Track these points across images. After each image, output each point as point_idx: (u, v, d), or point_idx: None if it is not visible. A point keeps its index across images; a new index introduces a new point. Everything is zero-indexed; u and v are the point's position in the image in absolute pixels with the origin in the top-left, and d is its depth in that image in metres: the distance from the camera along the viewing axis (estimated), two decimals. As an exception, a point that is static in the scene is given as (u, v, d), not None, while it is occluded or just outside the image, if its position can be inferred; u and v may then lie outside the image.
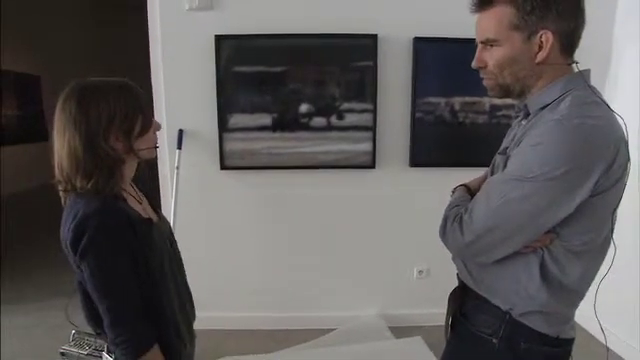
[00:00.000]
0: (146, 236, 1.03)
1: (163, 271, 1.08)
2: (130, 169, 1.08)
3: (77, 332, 2.07)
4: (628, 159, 0.94)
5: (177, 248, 1.20)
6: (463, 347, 1.16)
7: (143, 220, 1.05)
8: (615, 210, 0.98)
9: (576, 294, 1.03)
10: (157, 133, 1.11)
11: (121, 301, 0.97)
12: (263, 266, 2.74)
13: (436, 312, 2.75)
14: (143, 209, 1.12)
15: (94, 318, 1.05)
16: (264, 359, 2.42)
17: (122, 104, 0.99)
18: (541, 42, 0.93)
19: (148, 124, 1.04)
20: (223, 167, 2.55)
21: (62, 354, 1.98)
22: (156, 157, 1.17)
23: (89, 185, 0.97)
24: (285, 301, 2.76)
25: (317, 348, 2.55)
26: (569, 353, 1.08)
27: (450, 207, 1.08)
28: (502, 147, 1.13)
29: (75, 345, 2.01)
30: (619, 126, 0.94)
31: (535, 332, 1.02)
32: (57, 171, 1.00)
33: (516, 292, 1.01)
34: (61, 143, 0.98)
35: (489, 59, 1.00)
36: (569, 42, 0.95)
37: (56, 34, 7.16)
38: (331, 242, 2.73)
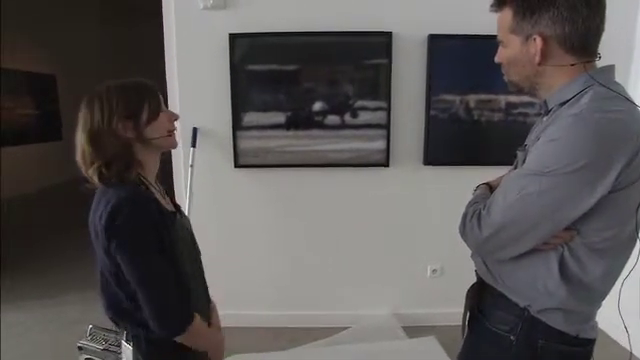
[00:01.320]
0: (171, 229, 1.06)
1: (185, 266, 1.10)
2: (152, 161, 1.11)
3: (94, 327, 2.10)
4: None
5: (197, 246, 1.21)
6: (480, 344, 1.14)
7: (169, 212, 1.08)
8: None
9: (597, 293, 1.00)
10: (175, 124, 1.14)
11: (160, 284, 1.01)
12: (276, 264, 2.73)
13: (450, 312, 2.72)
14: (167, 203, 1.15)
15: (113, 306, 1.08)
16: (276, 357, 2.41)
17: (123, 95, 1.05)
18: (535, 46, 0.96)
19: (155, 110, 1.08)
20: (237, 165, 2.55)
21: (79, 348, 2.01)
22: (170, 154, 1.18)
23: (96, 175, 1.02)
24: (298, 299, 2.75)
25: (330, 346, 2.53)
26: (590, 354, 1.05)
27: (470, 204, 1.08)
28: (524, 143, 1.11)
29: (92, 340, 2.04)
30: None
31: (553, 330, 1.00)
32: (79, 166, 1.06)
33: (534, 289, 0.99)
34: (77, 140, 1.05)
35: (501, 57, 1.05)
36: (574, 43, 0.94)
37: (70, 34, 7.24)
38: (344, 240, 2.71)
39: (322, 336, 2.62)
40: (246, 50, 2.42)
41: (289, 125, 2.51)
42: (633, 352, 1.24)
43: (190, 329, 1.04)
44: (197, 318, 1.07)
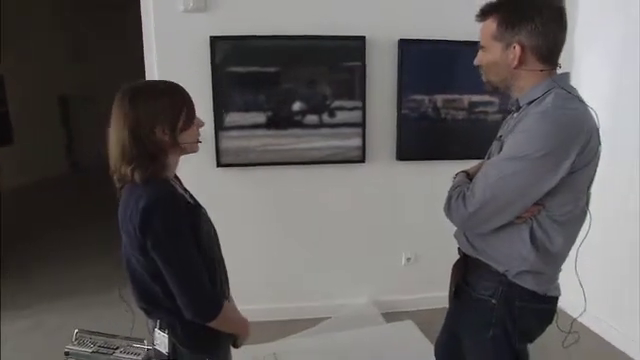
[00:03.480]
0: (199, 220, 1.09)
1: (213, 254, 1.14)
2: (174, 161, 1.12)
3: (80, 331, 1.95)
4: (599, 144, 1.09)
5: (217, 236, 1.22)
6: (466, 309, 1.27)
7: (194, 205, 1.11)
8: (589, 187, 1.12)
9: (559, 256, 1.16)
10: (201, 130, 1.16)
11: (194, 275, 1.03)
12: (259, 259, 2.68)
13: (424, 296, 2.81)
14: (189, 197, 1.17)
15: (145, 298, 1.10)
16: (264, 349, 2.35)
17: (167, 100, 1.06)
18: (514, 52, 1.09)
19: (191, 119, 1.10)
20: (219, 164, 2.50)
21: (66, 354, 1.85)
22: None
23: (134, 172, 1.02)
24: (281, 292, 2.72)
25: (313, 335, 2.52)
26: (555, 309, 1.21)
27: (453, 188, 1.20)
28: (498, 135, 1.25)
29: (79, 344, 1.89)
30: (592, 117, 1.08)
31: (527, 291, 1.14)
32: (111, 162, 1.06)
33: (510, 256, 1.14)
34: (113, 137, 1.04)
35: (482, 60, 1.17)
36: (544, 53, 1.10)
37: (25, 33, 6.71)
38: (324, 234, 2.73)
39: (306, 327, 2.63)
40: (227, 52, 2.39)
41: (269, 125, 2.50)
42: (587, 308, 1.36)
43: (221, 314, 1.06)
44: (226, 303, 1.10)
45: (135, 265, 1.07)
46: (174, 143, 1.06)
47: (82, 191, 7.26)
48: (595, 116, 1.08)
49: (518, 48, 1.08)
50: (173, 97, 1.07)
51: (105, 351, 1.85)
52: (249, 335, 1.24)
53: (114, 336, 1.89)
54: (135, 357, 1.79)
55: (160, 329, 1.11)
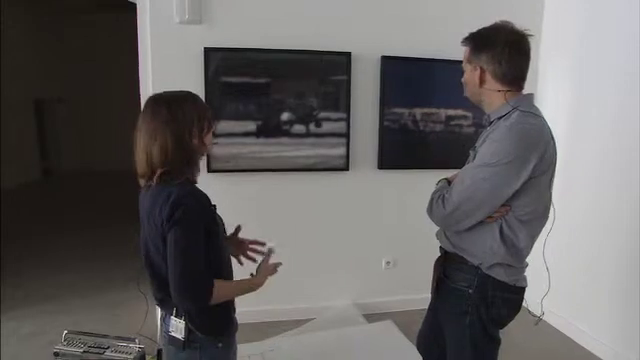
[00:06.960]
0: (216, 218, 1.16)
1: (224, 251, 1.20)
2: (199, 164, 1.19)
3: (69, 332, 1.89)
4: (555, 155, 1.25)
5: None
6: (445, 299, 1.38)
7: (213, 205, 1.16)
8: (550, 190, 1.27)
9: (524, 251, 1.29)
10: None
11: (193, 265, 1.05)
12: (246, 263, 2.64)
13: (403, 298, 2.85)
14: None
15: (164, 288, 1.12)
16: (249, 348, 2.32)
17: (198, 108, 1.14)
18: (477, 74, 1.27)
19: (212, 122, 1.18)
20: (210, 170, 2.48)
21: (56, 354, 1.79)
22: None
23: (178, 174, 1.08)
24: (267, 295, 2.66)
25: (298, 335, 2.53)
26: (522, 299, 1.33)
27: (435, 192, 1.33)
28: (474, 145, 1.38)
29: (68, 345, 1.83)
30: (549, 131, 1.24)
31: (499, 281, 1.26)
32: (141, 165, 1.10)
33: (483, 250, 1.26)
34: (150, 142, 1.08)
35: (463, 79, 1.33)
36: (501, 76, 1.24)
37: None
38: (309, 238, 2.76)
39: (289, 328, 2.61)
40: (220, 63, 2.42)
41: (259, 133, 2.52)
42: (551, 286, 1.51)
43: (213, 298, 1.08)
44: (218, 284, 1.10)
45: (155, 257, 1.11)
46: (201, 145, 1.13)
47: (56, 196, 6.95)
48: (550, 131, 1.23)
49: (479, 71, 1.26)
50: (199, 104, 1.15)
51: (96, 351, 1.81)
52: (260, 284, 1.32)
53: (104, 336, 1.86)
54: (126, 356, 1.75)
55: (176, 316, 1.14)
